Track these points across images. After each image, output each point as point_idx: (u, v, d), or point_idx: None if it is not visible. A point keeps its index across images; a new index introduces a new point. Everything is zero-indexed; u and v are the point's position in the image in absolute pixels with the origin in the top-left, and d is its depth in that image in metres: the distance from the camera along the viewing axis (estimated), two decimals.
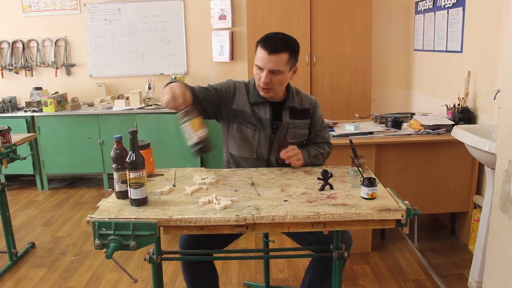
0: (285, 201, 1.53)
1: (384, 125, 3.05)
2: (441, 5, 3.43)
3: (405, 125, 3.04)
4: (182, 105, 1.71)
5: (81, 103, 4.44)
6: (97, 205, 1.53)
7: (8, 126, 2.69)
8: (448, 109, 3.07)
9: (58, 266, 2.88)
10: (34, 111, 4.21)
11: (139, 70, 4.62)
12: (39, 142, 4.27)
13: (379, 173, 2.76)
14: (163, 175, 1.87)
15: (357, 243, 2.87)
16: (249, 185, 1.70)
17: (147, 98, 4.51)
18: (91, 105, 4.47)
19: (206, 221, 1.40)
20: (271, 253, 2.50)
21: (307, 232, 1.87)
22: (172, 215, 1.42)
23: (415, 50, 4.11)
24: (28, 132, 4.11)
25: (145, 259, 1.75)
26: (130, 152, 1.51)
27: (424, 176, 2.88)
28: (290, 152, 1.88)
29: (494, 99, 2.44)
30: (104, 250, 1.38)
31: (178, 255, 2.54)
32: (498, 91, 2.26)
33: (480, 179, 2.90)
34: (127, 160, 1.50)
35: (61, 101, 4.30)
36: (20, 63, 4.59)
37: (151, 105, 4.34)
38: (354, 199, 1.53)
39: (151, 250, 1.76)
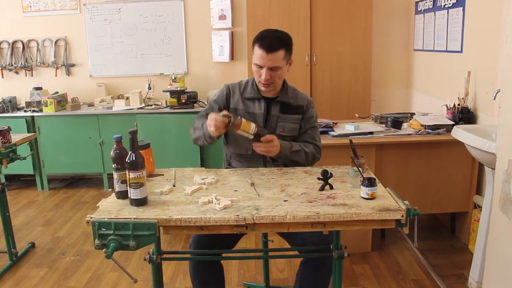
0: (285, 201, 1.53)
1: (384, 125, 3.05)
2: (441, 5, 3.43)
3: (405, 125, 3.04)
4: (222, 127, 1.81)
5: (81, 103, 4.44)
6: (97, 205, 1.53)
7: (8, 126, 2.69)
8: (448, 109, 3.07)
9: (58, 266, 2.88)
10: (34, 111, 4.21)
11: (139, 70, 4.62)
12: (39, 142, 4.27)
13: (379, 173, 2.76)
14: (163, 175, 1.87)
15: (357, 243, 2.88)
16: (249, 185, 1.70)
17: (147, 98, 4.51)
18: (91, 105, 4.47)
19: (206, 221, 1.40)
20: (270, 253, 2.51)
21: (294, 233, 1.89)
22: (172, 215, 1.42)
23: (415, 50, 4.11)
24: (28, 132, 4.12)
25: (145, 259, 1.75)
26: (130, 152, 1.51)
27: (424, 176, 2.88)
28: (262, 144, 1.88)
29: (494, 99, 2.44)
30: (104, 250, 1.38)
31: (178, 255, 2.54)
32: (498, 91, 2.26)
33: (480, 179, 2.90)
34: (127, 160, 1.50)
35: (61, 101, 4.30)
36: (20, 63, 4.59)
37: (151, 105, 4.34)
38: (354, 199, 1.53)
39: (151, 250, 1.76)
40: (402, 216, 1.41)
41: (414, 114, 3.33)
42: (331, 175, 1.65)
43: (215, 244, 1.89)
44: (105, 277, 2.73)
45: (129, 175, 1.49)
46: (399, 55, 4.34)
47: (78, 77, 4.66)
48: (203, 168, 1.98)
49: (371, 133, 2.88)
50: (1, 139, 2.59)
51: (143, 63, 4.61)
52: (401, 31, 4.30)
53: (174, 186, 1.71)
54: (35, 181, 4.44)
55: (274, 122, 2.06)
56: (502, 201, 1.80)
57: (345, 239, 1.84)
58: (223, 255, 2.07)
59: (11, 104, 4.28)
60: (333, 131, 2.89)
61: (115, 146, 1.55)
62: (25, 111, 4.23)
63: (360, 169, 1.62)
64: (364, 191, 1.52)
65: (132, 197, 1.51)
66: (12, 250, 2.89)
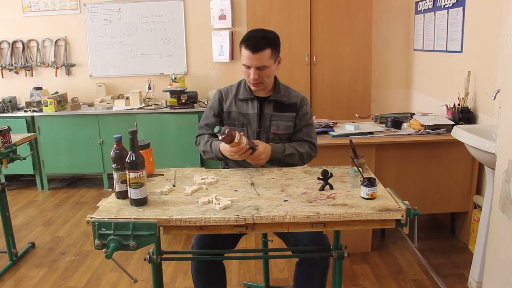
0: (285, 201, 1.53)
1: (384, 125, 3.05)
2: (441, 5, 3.43)
3: (405, 125, 3.04)
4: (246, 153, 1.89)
5: (81, 103, 4.44)
6: (97, 205, 1.53)
7: (8, 126, 2.69)
8: (448, 109, 3.07)
9: (58, 266, 2.88)
10: (34, 111, 4.21)
11: (139, 70, 4.62)
12: (39, 142, 4.27)
13: (379, 173, 2.76)
14: (163, 175, 1.87)
15: (357, 243, 2.88)
16: (249, 185, 1.70)
17: (147, 98, 4.51)
18: (91, 105, 4.47)
19: (206, 221, 1.40)
20: (270, 253, 2.51)
21: (289, 234, 1.89)
22: (172, 215, 1.42)
23: (415, 50, 4.11)
24: (28, 132, 4.12)
25: (145, 259, 1.75)
26: (130, 152, 1.51)
27: (424, 176, 2.88)
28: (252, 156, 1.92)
29: (494, 99, 2.44)
30: (104, 250, 1.38)
31: (178, 255, 2.54)
32: (498, 91, 2.26)
33: (480, 179, 2.90)
34: (127, 160, 1.50)
35: (61, 101, 4.30)
36: (20, 63, 4.59)
37: (151, 105, 4.34)
38: (354, 199, 1.53)
39: (151, 250, 1.76)
40: (402, 216, 1.41)
41: (414, 114, 3.33)
42: (331, 175, 1.65)
43: (217, 244, 1.89)
44: (105, 277, 2.73)
45: (129, 175, 1.49)
46: (399, 55, 4.34)
47: (78, 77, 4.66)
48: (203, 168, 1.98)
49: (371, 133, 2.88)
50: (1, 139, 2.59)
51: (143, 63, 4.61)
52: (401, 31, 4.30)
53: (174, 186, 1.71)
54: (35, 181, 4.44)
55: (268, 121, 2.07)
56: (502, 201, 1.80)
57: (345, 239, 1.84)
58: (225, 255, 2.07)
59: (11, 104, 4.28)
60: (333, 131, 2.89)
61: (115, 146, 1.55)
62: (25, 111, 4.23)
63: (360, 169, 1.62)
64: (364, 191, 1.52)
65: (132, 197, 1.51)
66: (12, 250, 2.89)
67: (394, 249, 2.97)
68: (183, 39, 4.54)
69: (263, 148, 1.94)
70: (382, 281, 2.60)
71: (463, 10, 3.08)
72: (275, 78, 2.12)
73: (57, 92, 4.43)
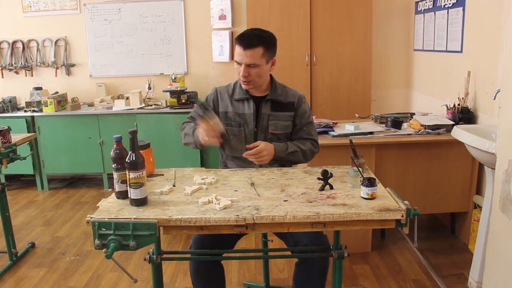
0: (285, 201, 1.53)
1: (384, 125, 3.05)
2: (441, 5, 3.43)
3: (405, 125, 3.04)
4: (214, 135, 1.90)
5: (81, 103, 4.44)
6: (97, 205, 1.53)
7: (8, 126, 2.69)
8: (448, 109, 3.07)
9: (58, 266, 2.88)
10: (34, 111, 4.21)
11: (139, 70, 4.62)
12: (39, 142, 4.27)
13: (379, 173, 2.76)
14: (163, 175, 1.87)
15: (357, 243, 2.88)
16: (249, 185, 1.70)
17: (147, 98, 4.51)
18: (91, 105, 4.47)
19: (206, 221, 1.40)
20: (270, 253, 2.51)
21: (289, 234, 1.89)
22: (172, 215, 1.42)
23: (415, 50, 4.11)
24: (28, 132, 4.12)
25: (145, 259, 1.75)
26: (130, 152, 1.51)
27: (424, 176, 2.88)
28: (251, 152, 1.93)
29: (494, 99, 2.44)
30: (104, 250, 1.38)
31: (178, 255, 2.54)
32: (498, 91, 2.26)
33: (480, 179, 2.90)
34: (127, 160, 1.50)
35: (61, 101, 4.30)
36: (20, 63, 4.59)
37: (151, 105, 4.34)
38: (354, 199, 1.52)
39: (151, 250, 1.76)
40: (402, 216, 1.41)
41: (414, 114, 3.33)
42: (331, 175, 1.65)
43: (215, 244, 1.89)
44: (105, 277, 2.73)
45: (129, 175, 1.49)
46: (399, 55, 4.34)
47: (78, 77, 4.66)
48: (203, 168, 1.98)
49: (371, 133, 2.88)
50: (1, 139, 2.59)
51: (143, 63, 4.61)
52: (401, 31, 4.30)
53: (174, 186, 1.71)
54: (35, 181, 4.44)
55: (265, 121, 2.06)
56: (502, 201, 1.80)
57: (345, 239, 1.84)
58: (224, 255, 2.06)
59: (11, 104, 4.28)
60: (333, 131, 2.89)
61: (115, 146, 1.55)
62: (25, 111, 4.23)
63: (360, 169, 1.62)
64: (364, 191, 1.52)
65: (132, 197, 1.51)
66: (12, 250, 2.89)
67: (394, 249, 2.97)
68: (183, 39, 4.54)
69: (265, 144, 1.94)
70: (382, 281, 2.60)
71: (463, 10, 3.08)
72: (271, 77, 2.11)
73: (57, 92, 4.44)
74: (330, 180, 1.64)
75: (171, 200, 1.56)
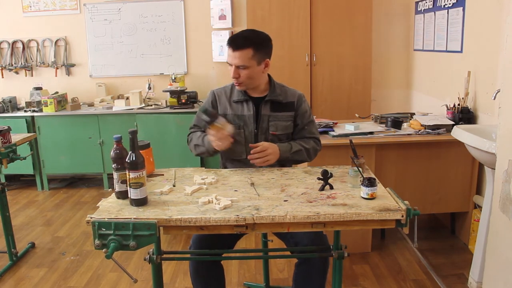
0: (285, 201, 1.53)
1: (384, 125, 3.05)
2: (441, 5, 3.43)
3: (405, 125, 3.04)
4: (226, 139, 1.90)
5: (81, 103, 4.44)
6: (97, 205, 1.53)
7: (8, 126, 2.69)
8: (448, 109, 3.07)
9: (58, 266, 2.88)
10: (34, 111, 4.21)
11: (139, 70, 4.62)
12: (39, 142, 4.27)
13: (379, 173, 2.76)
14: (163, 175, 1.87)
15: (357, 243, 2.88)
16: (249, 185, 1.70)
17: (147, 98, 4.51)
18: (91, 105, 4.47)
19: (206, 221, 1.40)
20: (270, 253, 2.51)
21: (289, 235, 1.89)
22: (172, 215, 1.42)
23: (415, 50, 4.11)
24: (28, 132, 4.12)
25: (145, 259, 1.75)
26: (130, 152, 1.51)
27: (424, 176, 2.88)
28: (256, 155, 1.91)
29: (494, 99, 2.44)
30: (104, 250, 1.38)
31: (178, 255, 2.54)
32: (498, 91, 2.26)
33: (480, 179, 2.90)
34: (127, 160, 1.50)
35: (61, 101, 4.30)
36: (20, 63, 4.59)
37: (151, 105, 4.34)
38: (354, 199, 1.53)
39: (151, 250, 1.76)
40: (402, 216, 1.41)
41: (414, 114, 3.33)
42: (331, 175, 1.65)
43: (215, 244, 1.89)
44: (105, 277, 2.73)
45: (129, 175, 1.49)
46: (399, 55, 4.34)
47: (78, 77, 4.66)
48: (203, 168, 1.98)
49: (371, 133, 2.88)
50: (1, 139, 2.59)
51: (143, 63, 4.61)
52: (401, 31, 4.30)
53: (174, 186, 1.71)
54: (35, 181, 4.44)
55: (266, 122, 2.04)
56: (502, 201, 1.80)
57: (345, 239, 1.84)
58: (223, 255, 2.06)
59: (11, 104, 4.28)
60: (333, 131, 2.89)
61: (115, 146, 1.55)
62: (25, 111, 4.23)
63: (360, 169, 1.62)
64: (364, 191, 1.52)
65: (132, 197, 1.51)
66: (12, 250, 2.89)
67: (394, 249, 2.97)
68: (183, 39, 4.54)
69: (268, 144, 1.93)
70: (382, 281, 2.60)
71: (463, 10, 3.08)
72: (270, 77, 2.09)
73: (57, 92, 4.43)
74: (330, 180, 1.64)
75: (171, 200, 1.56)
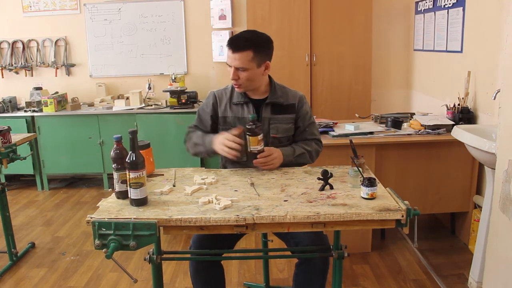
0: (285, 201, 1.53)
1: (384, 125, 3.05)
2: (441, 5, 3.43)
3: (405, 125, 3.04)
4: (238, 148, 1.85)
5: (81, 103, 4.44)
6: (97, 205, 1.53)
7: (8, 126, 2.69)
8: (448, 109, 3.07)
9: (58, 266, 2.88)
10: (34, 111, 4.21)
11: (139, 70, 4.62)
12: (39, 142, 4.27)
13: (379, 173, 2.76)
14: (163, 175, 1.87)
15: (357, 243, 2.88)
16: (249, 185, 1.70)
17: (147, 98, 4.51)
18: (91, 105, 4.47)
19: (206, 221, 1.40)
20: (270, 253, 2.51)
21: (289, 235, 1.89)
22: (172, 215, 1.42)
23: (415, 50, 4.11)
24: (28, 132, 4.12)
25: (145, 259, 1.75)
26: (130, 152, 1.51)
27: (424, 176, 2.88)
28: (262, 159, 1.88)
29: (494, 99, 2.44)
30: (104, 250, 1.38)
31: (178, 255, 2.54)
32: (498, 91, 2.26)
33: (480, 179, 2.90)
34: (127, 160, 1.50)
35: (61, 101, 4.30)
36: (20, 63, 4.59)
37: (151, 105, 4.34)
38: (354, 199, 1.52)
39: (151, 250, 1.76)
40: (402, 216, 1.41)
41: (414, 114, 3.33)
42: (331, 175, 1.65)
43: (215, 245, 1.88)
44: (105, 277, 2.73)
45: (129, 175, 1.49)
46: (399, 55, 4.34)
47: (78, 77, 4.66)
48: (203, 168, 1.98)
49: (371, 133, 2.88)
50: (1, 139, 2.59)
51: (143, 63, 4.61)
52: (401, 31, 4.30)
53: (174, 186, 1.71)
54: (35, 181, 4.44)
55: (267, 124, 2.02)
56: (502, 201, 1.80)
57: (345, 239, 1.84)
58: (223, 255, 2.06)
59: (11, 104, 4.28)
60: (333, 131, 2.89)
61: (115, 146, 1.55)
62: (25, 111, 4.23)
63: (360, 169, 1.62)
64: (364, 191, 1.52)
65: (132, 197, 1.51)
66: (12, 250, 2.89)
67: (394, 249, 2.97)
68: (183, 39, 4.54)
69: (276, 151, 1.91)
70: (382, 281, 2.60)
71: (463, 10, 3.08)
72: (270, 79, 2.07)
73: (57, 92, 4.43)
74: (330, 180, 1.64)
75: (171, 200, 1.56)
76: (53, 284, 2.66)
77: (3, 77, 4.61)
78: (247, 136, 1.85)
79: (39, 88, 4.43)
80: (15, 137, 2.83)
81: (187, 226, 1.41)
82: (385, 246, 3.02)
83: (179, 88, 4.23)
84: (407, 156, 2.86)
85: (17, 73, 4.63)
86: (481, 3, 2.88)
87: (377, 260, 2.84)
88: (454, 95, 3.12)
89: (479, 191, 2.91)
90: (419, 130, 2.91)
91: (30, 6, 4.53)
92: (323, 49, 3.94)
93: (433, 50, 3.63)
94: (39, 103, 4.23)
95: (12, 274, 2.79)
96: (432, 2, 3.62)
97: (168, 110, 4.19)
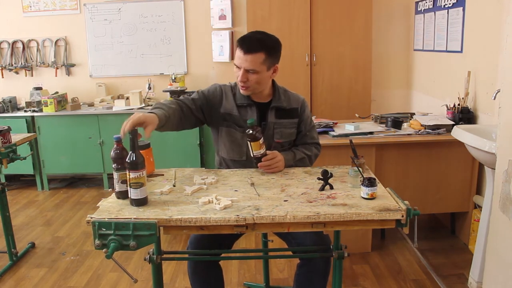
0: (285, 201, 1.53)
1: (384, 125, 3.05)
2: (441, 5, 3.43)
3: (405, 125, 3.04)
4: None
5: (81, 103, 4.45)
6: (97, 205, 1.53)
7: (8, 126, 2.69)
8: (448, 109, 3.07)
9: (58, 266, 2.88)
10: (34, 111, 4.21)
11: (139, 70, 4.62)
12: (39, 142, 4.27)
13: (379, 173, 2.76)
14: (163, 175, 1.87)
15: (357, 243, 2.88)
16: (249, 185, 1.70)
17: (147, 98, 4.51)
18: (91, 105, 4.47)
19: (206, 221, 1.40)
20: (270, 253, 2.51)
21: (290, 236, 1.88)
22: (172, 215, 1.42)
23: (415, 50, 4.11)
24: (28, 132, 4.12)
25: (145, 259, 1.75)
26: (130, 152, 1.51)
27: (424, 176, 2.88)
28: (266, 162, 1.86)
29: (494, 99, 2.44)
30: (104, 250, 1.38)
31: (178, 255, 2.54)
32: (498, 91, 2.26)
33: (480, 179, 2.90)
34: (127, 160, 1.50)
35: (61, 101, 4.30)
36: (20, 63, 4.59)
37: (151, 105, 4.33)
38: (354, 199, 1.52)
39: (151, 250, 1.76)
40: (402, 216, 1.41)
41: (414, 114, 3.33)
42: (331, 175, 1.65)
43: (213, 245, 1.88)
44: (105, 277, 2.73)
45: (129, 175, 1.49)
46: (399, 55, 4.34)
47: (78, 77, 4.66)
48: (203, 168, 1.98)
49: (371, 133, 2.88)
50: (1, 139, 2.59)
51: (143, 63, 4.61)
52: (401, 31, 4.30)
53: (174, 186, 1.71)
54: (35, 181, 4.43)
55: (271, 129, 1.99)
56: (502, 201, 1.80)
57: (345, 239, 1.84)
58: (223, 255, 2.06)
59: (11, 104, 4.28)
60: (333, 131, 2.89)
61: (115, 146, 1.56)
62: (25, 111, 4.23)
63: (360, 169, 1.62)
64: (364, 191, 1.52)
65: (132, 197, 1.51)
66: (12, 250, 2.89)
67: (394, 249, 2.97)
68: (183, 39, 4.54)
69: (279, 154, 1.89)
70: (382, 281, 2.60)
71: (463, 10, 3.08)
72: (273, 82, 2.03)
73: (57, 92, 4.44)
74: (330, 180, 1.64)
75: (171, 200, 1.56)
76: (53, 284, 2.66)
77: (3, 77, 4.61)
78: (249, 142, 1.83)
79: (39, 88, 4.43)
80: (15, 137, 2.83)
81: (187, 226, 1.41)
82: (385, 246, 3.02)
83: (179, 88, 4.23)
84: (407, 156, 2.85)
85: (17, 73, 4.63)
86: (481, 3, 2.88)
87: (377, 260, 2.84)
88: (454, 95, 3.12)
89: (479, 191, 2.91)
90: (419, 130, 2.91)
91: (30, 6, 4.53)
92: (323, 49, 3.94)
93: (433, 50, 3.63)
94: (39, 103, 4.23)
95: (12, 274, 2.79)
96: (432, 2, 3.62)
97: None
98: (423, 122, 2.96)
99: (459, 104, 3.01)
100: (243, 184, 1.72)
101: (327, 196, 1.57)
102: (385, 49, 4.34)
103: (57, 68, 4.60)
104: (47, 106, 4.17)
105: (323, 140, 2.68)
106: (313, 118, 2.18)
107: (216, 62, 4.56)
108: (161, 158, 3.38)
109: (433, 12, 3.59)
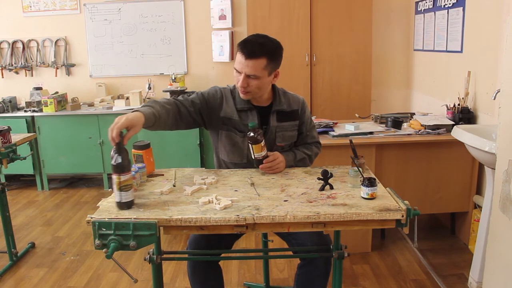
0: (285, 201, 1.53)
1: (384, 125, 3.05)
2: (441, 5, 3.43)
3: (405, 125, 3.04)
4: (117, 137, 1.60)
5: (81, 103, 4.45)
6: (97, 205, 1.53)
7: (8, 126, 2.69)
8: (448, 109, 3.07)
9: (58, 266, 2.88)
10: (34, 111, 4.21)
11: (139, 70, 4.62)
12: (39, 142, 4.27)
13: (379, 173, 2.76)
14: (163, 175, 1.87)
15: (357, 243, 2.88)
16: (249, 185, 1.70)
17: (147, 98, 4.51)
18: (91, 105, 4.47)
19: (206, 221, 1.40)
20: (270, 253, 2.51)
21: (291, 236, 1.88)
22: (172, 215, 1.42)
23: (415, 50, 4.11)
24: (28, 132, 4.12)
25: (145, 259, 1.75)
26: (116, 155, 1.47)
27: (424, 176, 2.88)
28: (268, 164, 1.86)
29: (494, 99, 2.44)
30: (104, 250, 1.38)
31: (178, 255, 2.54)
32: (498, 91, 2.26)
33: (480, 179, 2.90)
34: (112, 163, 1.46)
35: (61, 101, 4.30)
36: (20, 63, 4.59)
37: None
38: (354, 199, 1.52)
39: (151, 250, 1.76)
40: (402, 216, 1.41)
41: (414, 114, 3.33)
42: (331, 175, 1.65)
43: (212, 246, 1.87)
44: (105, 277, 2.73)
45: (119, 179, 1.46)
46: (399, 55, 4.34)
47: (78, 77, 4.66)
48: (203, 168, 1.98)
49: (371, 133, 2.88)
50: (1, 139, 2.59)
51: (143, 63, 4.61)
52: (401, 31, 4.30)
53: (174, 186, 1.71)
54: (35, 181, 4.44)
55: (273, 133, 1.97)
56: (502, 201, 1.80)
57: (345, 239, 1.84)
58: (223, 255, 2.06)
59: (11, 104, 4.28)
60: (333, 131, 2.89)
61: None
62: (25, 111, 4.23)
63: (360, 169, 1.62)
64: (364, 191, 1.52)
65: (122, 200, 1.47)
66: (12, 250, 2.89)
67: (394, 249, 2.97)
68: (183, 39, 4.54)
69: (280, 155, 1.89)
70: (382, 281, 2.60)
71: (463, 10, 3.08)
72: (273, 85, 2.00)
73: (57, 92, 4.43)
74: (330, 180, 1.64)
75: (171, 200, 1.56)
76: (53, 284, 2.66)
77: (3, 77, 4.62)
78: (250, 145, 1.83)
79: (39, 88, 4.43)
80: (15, 137, 2.83)
81: (187, 226, 1.41)
82: (385, 246, 3.02)
83: (179, 88, 4.23)
84: (407, 156, 2.85)
85: (17, 73, 4.63)
86: (481, 3, 2.88)
87: (377, 260, 2.84)
88: (454, 95, 3.12)
89: (479, 191, 2.91)
90: (419, 130, 2.91)
91: (30, 6, 4.53)
92: (323, 49, 3.94)
93: (433, 50, 3.63)
94: (39, 103, 4.23)
95: (12, 274, 2.79)
96: (432, 2, 3.62)
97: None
98: (423, 122, 2.96)
99: (459, 104, 3.01)
100: (243, 184, 1.72)
101: (327, 196, 1.57)
102: (385, 49, 4.34)
103: (57, 68, 4.60)
104: (47, 106, 4.17)
105: (323, 140, 2.68)
106: (313, 118, 2.17)
107: (216, 62, 4.56)
108: (161, 158, 3.39)
109: (433, 12, 3.59)
